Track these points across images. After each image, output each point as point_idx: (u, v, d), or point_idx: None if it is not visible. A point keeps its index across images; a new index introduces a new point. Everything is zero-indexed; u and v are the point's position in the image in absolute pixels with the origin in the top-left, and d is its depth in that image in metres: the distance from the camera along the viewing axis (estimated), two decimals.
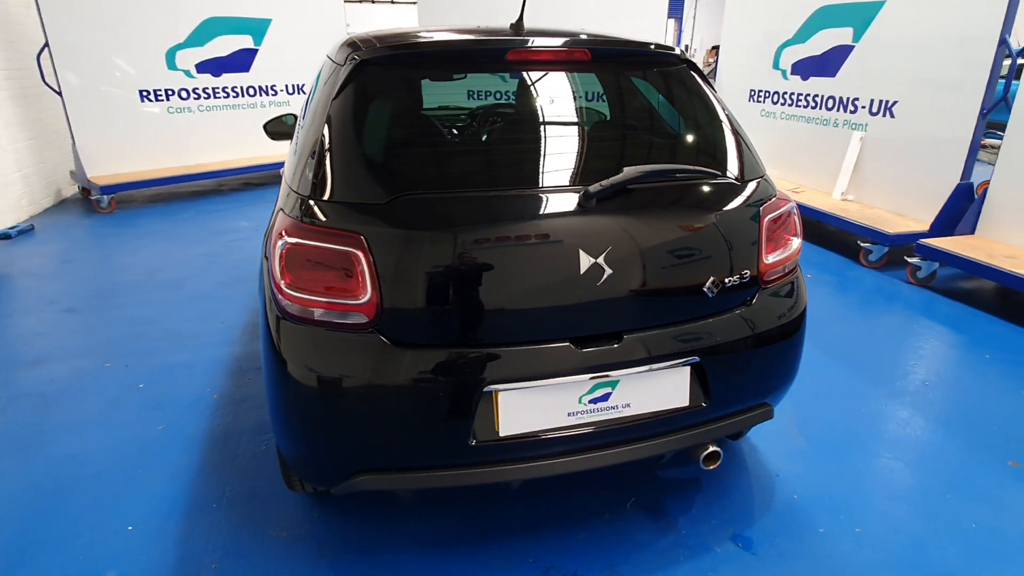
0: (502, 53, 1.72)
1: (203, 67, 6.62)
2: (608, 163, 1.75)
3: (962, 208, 4.13)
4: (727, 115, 1.96)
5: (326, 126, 1.64)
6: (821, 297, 3.95)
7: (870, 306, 3.83)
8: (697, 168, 1.76)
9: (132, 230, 5.42)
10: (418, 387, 1.52)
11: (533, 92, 1.90)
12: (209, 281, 4.14)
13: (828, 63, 5.17)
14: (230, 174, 6.72)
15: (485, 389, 1.53)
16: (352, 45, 1.79)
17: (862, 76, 4.86)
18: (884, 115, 4.70)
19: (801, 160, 5.64)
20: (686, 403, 1.72)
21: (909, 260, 4.07)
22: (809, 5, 5.33)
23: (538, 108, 1.88)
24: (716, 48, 9.07)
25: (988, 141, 7.48)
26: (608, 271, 1.56)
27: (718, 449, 1.84)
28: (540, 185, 1.63)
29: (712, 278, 1.69)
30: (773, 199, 1.84)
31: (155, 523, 2.00)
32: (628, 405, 1.67)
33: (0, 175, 5.36)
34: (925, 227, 4.27)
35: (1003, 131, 3.97)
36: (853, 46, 4.91)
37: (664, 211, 1.68)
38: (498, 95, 2.25)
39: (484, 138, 1.86)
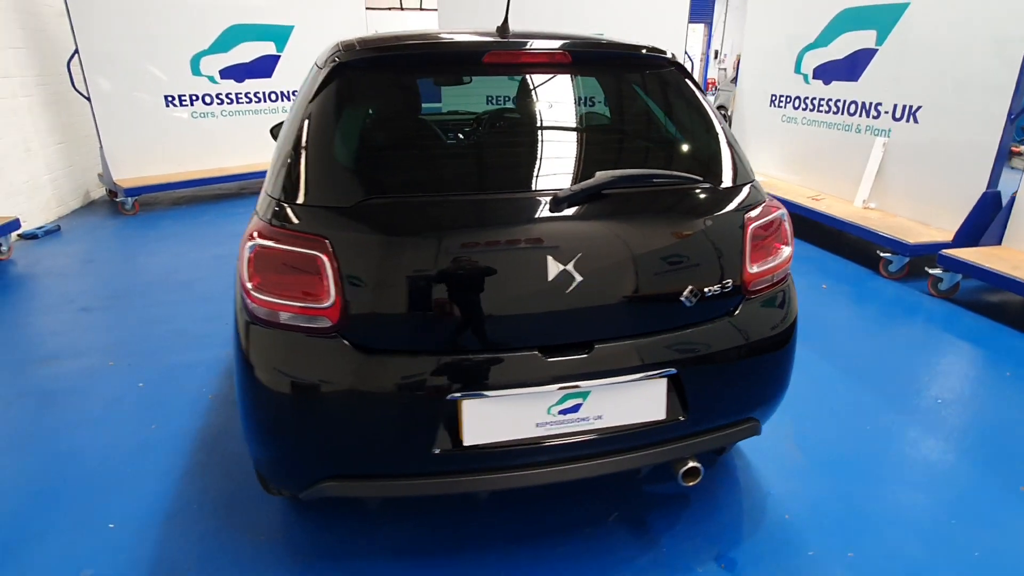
0: (479, 56, 1.69)
1: (227, 73, 6.77)
2: (585, 167, 1.70)
3: (988, 217, 3.95)
4: (716, 119, 1.90)
5: (299, 129, 1.64)
6: (836, 308, 3.82)
7: (887, 318, 3.69)
8: (676, 173, 1.70)
9: (154, 232, 5.56)
10: (380, 393, 1.50)
11: (512, 95, 1.87)
12: (222, 283, 4.20)
13: (850, 67, 5.02)
14: (252, 177, 6.84)
15: (449, 397, 1.51)
16: (335, 48, 1.79)
17: (885, 80, 4.70)
18: (908, 120, 4.53)
19: (823, 167, 5.49)
20: (662, 416, 1.66)
21: (930, 271, 3.91)
22: (832, 7, 5.19)
23: (516, 112, 1.85)
24: None
25: (1018, 147, 7.17)
26: (578, 278, 1.51)
27: (698, 465, 1.77)
28: (510, 189, 1.60)
29: (690, 287, 1.63)
30: (760, 206, 1.77)
31: (137, 523, 2.02)
32: (600, 417, 1.62)
33: (30, 178, 5.55)
34: (949, 237, 4.09)
35: None
36: (876, 49, 4.75)
37: (640, 217, 1.62)
38: (490, 99, 2.23)
39: (458, 142, 1.84)
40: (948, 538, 1.97)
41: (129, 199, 6.03)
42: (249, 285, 1.54)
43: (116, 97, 6.08)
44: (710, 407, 1.73)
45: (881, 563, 1.87)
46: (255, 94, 7.02)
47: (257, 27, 6.87)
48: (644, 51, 1.89)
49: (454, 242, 1.50)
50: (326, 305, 1.48)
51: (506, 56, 1.70)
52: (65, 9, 5.60)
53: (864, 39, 4.84)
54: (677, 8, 7.06)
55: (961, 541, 1.95)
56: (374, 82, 1.74)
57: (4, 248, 4.71)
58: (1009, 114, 3.81)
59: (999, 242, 3.89)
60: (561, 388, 1.56)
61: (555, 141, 1.80)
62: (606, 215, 1.59)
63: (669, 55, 1.93)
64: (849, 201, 5.10)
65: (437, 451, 1.53)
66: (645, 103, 1.95)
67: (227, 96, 6.82)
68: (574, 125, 1.87)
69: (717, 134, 1.87)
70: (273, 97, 7.18)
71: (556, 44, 1.73)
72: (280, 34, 7.08)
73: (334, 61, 1.71)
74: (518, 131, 1.80)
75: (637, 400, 1.64)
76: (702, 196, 1.71)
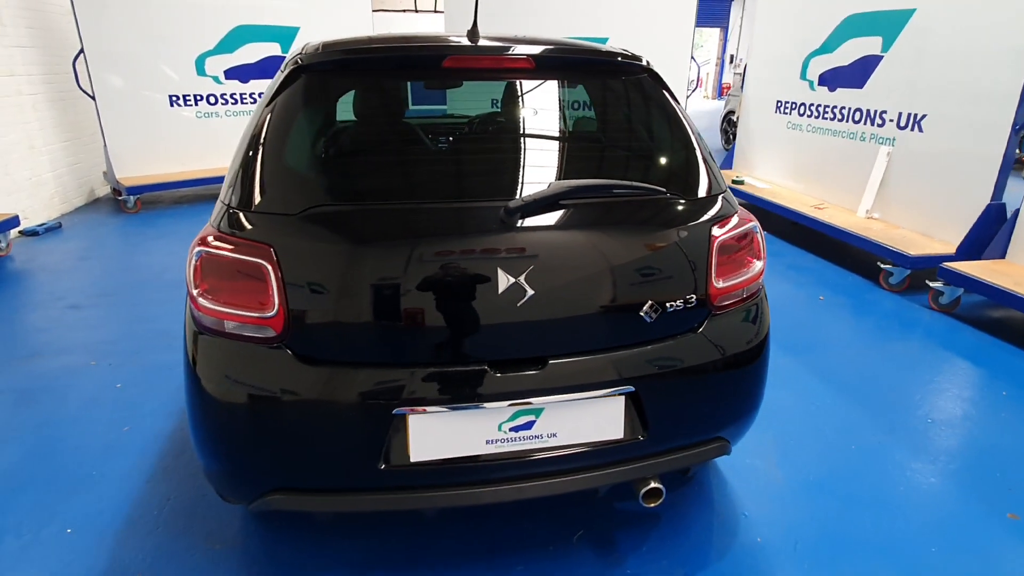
0: (438, 60, 1.65)
1: (231, 73, 6.80)
2: (544, 176, 1.65)
3: (992, 230, 3.83)
4: (688, 128, 1.84)
5: (252, 134, 1.61)
6: (831, 321, 3.73)
7: (884, 332, 3.59)
8: (636, 184, 1.64)
9: (152, 230, 5.58)
10: (324, 406, 1.46)
11: (474, 101, 1.82)
12: None
13: (856, 74, 4.91)
14: None
15: (394, 411, 1.46)
16: (298, 51, 1.76)
17: (890, 88, 4.59)
18: (912, 129, 4.42)
19: (827, 175, 5.38)
20: (620, 435, 1.61)
21: (931, 285, 3.80)
22: (838, 13, 5.09)
23: (476, 118, 1.80)
24: None
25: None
26: (529, 292, 1.46)
27: (659, 486, 1.71)
28: (462, 198, 1.56)
29: (650, 302, 1.57)
30: (728, 219, 1.71)
31: (96, 527, 2.00)
32: (554, 435, 1.57)
33: (33, 175, 5.61)
34: (952, 249, 3.98)
35: None
36: (882, 56, 4.65)
37: (598, 229, 1.57)
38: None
39: (413, 149, 1.79)
40: (927, 566, 1.89)
41: (131, 197, 6.08)
42: (195, 292, 1.50)
43: (121, 96, 6.13)
44: (672, 426, 1.67)
45: None
46: (259, 95, 7.05)
47: (263, 28, 6.89)
48: (616, 57, 1.83)
49: (399, 253, 1.45)
50: (270, 315, 1.45)
51: (466, 61, 1.65)
52: (71, 8, 5.65)
53: (870, 45, 4.74)
54: (684, 12, 6.98)
55: (941, 570, 1.87)
56: (331, 86, 1.71)
57: (3, 244, 4.75)
58: (1014, 125, 3.70)
59: (1003, 255, 3.78)
60: (512, 405, 1.51)
61: (515, 149, 1.75)
62: (562, 226, 1.53)
63: (644, 62, 1.88)
64: (852, 211, 4.99)
65: (383, 466, 1.49)
66: (615, 111, 1.89)
67: (232, 96, 6.86)
68: (538, 133, 1.82)
69: (687, 144, 1.81)
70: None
71: (519, 49, 1.68)
72: (286, 35, 7.10)
73: (295, 63, 1.67)
74: (480, 138, 1.75)
75: (593, 418, 1.58)
76: (665, 208, 1.65)
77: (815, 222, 4.84)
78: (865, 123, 4.87)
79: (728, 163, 7.06)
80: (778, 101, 5.99)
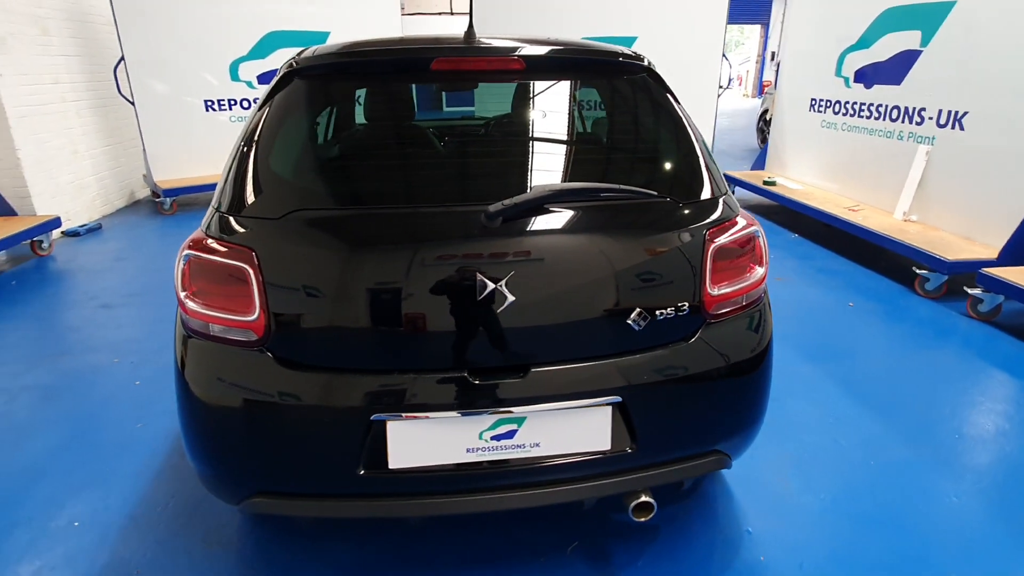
0: (426, 63, 1.63)
1: (264, 78, 6.96)
2: (533, 180, 1.61)
3: None
4: (689, 129, 1.77)
5: (243, 139, 1.62)
6: (860, 328, 3.56)
7: (916, 341, 3.41)
8: (625, 187, 1.58)
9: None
10: (302, 410, 1.45)
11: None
12: None
13: (893, 70, 4.70)
14: None
15: (373, 418, 1.45)
16: (293, 57, 1.77)
17: (930, 84, 4.37)
18: (953, 127, 4.19)
19: (863, 176, 5.16)
20: (607, 447, 1.56)
21: (970, 291, 3.59)
22: (875, 7, 4.87)
23: (467, 121, 1.77)
24: None
25: None
26: (510, 298, 1.43)
27: (650, 500, 1.65)
28: (445, 203, 1.53)
29: (639, 310, 1.51)
30: (727, 223, 1.63)
31: (101, 522, 2.06)
32: (537, 444, 1.53)
33: (76, 178, 5.86)
34: (993, 254, 3.76)
35: None
36: (920, 51, 4.43)
37: (583, 234, 1.52)
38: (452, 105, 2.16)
39: (395, 152, 1.78)
40: None
41: (168, 199, 6.29)
42: (182, 295, 1.52)
43: (159, 101, 6.35)
44: (663, 439, 1.60)
45: None
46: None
47: (294, 34, 7.03)
48: (614, 57, 1.78)
49: (375, 257, 1.44)
50: (251, 318, 1.45)
51: (455, 63, 1.63)
52: (113, 18, 5.88)
53: (908, 40, 4.52)
54: (715, 10, 6.81)
55: None
56: (322, 90, 1.71)
57: (45, 245, 4.97)
58: None
59: None
60: (492, 413, 1.48)
61: (505, 152, 1.72)
62: (544, 231, 1.49)
63: (644, 61, 1.82)
64: (889, 212, 4.77)
65: (362, 473, 1.48)
66: (613, 112, 1.84)
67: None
68: (530, 135, 1.78)
69: (686, 146, 1.75)
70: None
71: (507, 51, 1.65)
72: (316, 40, 7.22)
73: (288, 67, 1.68)
74: (469, 142, 1.73)
75: (578, 428, 1.53)
76: (657, 212, 1.59)
77: (848, 224, 4.65)
78: (903, 121, 4.65)
79: (761, 163, 6.86)
80: (812, 99, 5.78)
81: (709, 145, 7.12)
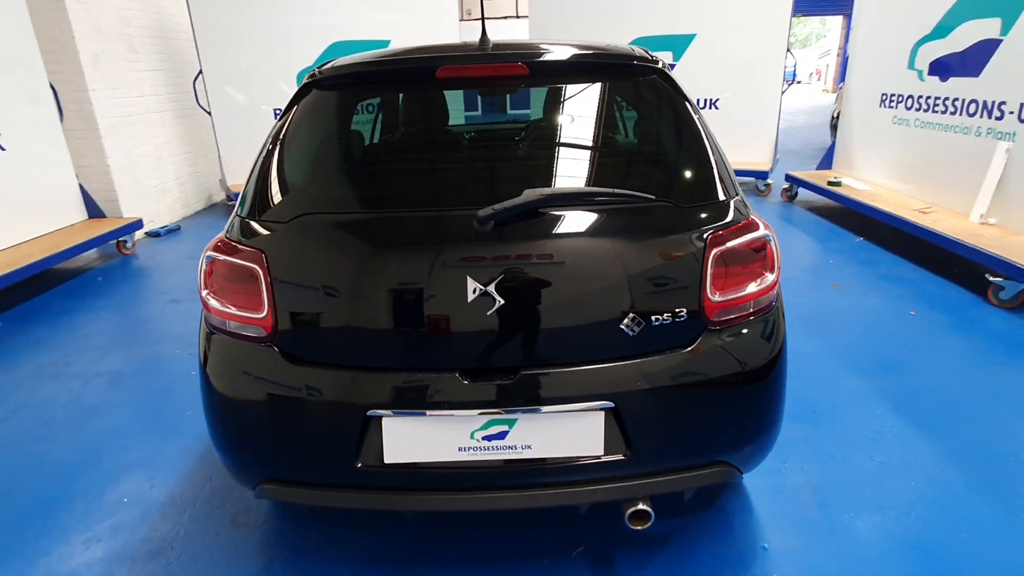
0: (431, 71, 1.68)
1: None
2: (532, 184, 1.62)
3: None
4: (701, 131, 1.73)
5: (263, 147, 1.73)
6: (920, 340, 3.33)
7: (983, 355, 3.14)
8: (620, 192, 1.57)
9: None
10: (305, 403, 1.54)
11: (476, 110, 1.83)
12: None
13: (970, 61, 4.35)
14: None
15: (369, 413, 1.51)
16: (314, 69, 1.87)
17: (1010, 75, 4.02)
18: None
19: (937, 176, 4.81)
20: (600, 452, 1.55)
21: None
22: None
23: (475, 127, 1.81)
24: None
25: None
26: (499, 301, 1.45)
27: (647, 508, 1.63)
28: (443, 207, 1.57)
29: (632, 315, 1.50)
30: (732, 227, 1.59)
31: (146, 499, 2.24)
32: (529, 447, 1.54)
33: (159, 183, 6.36)
34: None
35: None
36: (1000, 40, 4.08)
37: (577, 238, 1.52)
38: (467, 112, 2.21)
39: (399, 157, 1.83)
40: None
41: None
42: (204, 293, 1.65)
43: (232, 110, 6.78)
44: (660, 447, 1.58)
45: None
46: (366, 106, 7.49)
47: (357, 43, 7.32)
48: (623, 59, 1.77)
49: (373, 259, 1.50)
50: (260, 316, 1.55)
51: (458, 71, 1.67)
52: (192, 33, 6.35)
53: (987, 28, 4.18)
54: (780, 1, 6.53)
55: None
56: (335, 100, 1.79)
57: (129, 244, 5.43)
58: None
59: None
60: (483, 413, 1.51)
61: (509, 157, 1.74)
62: (538, 235, 1.51)
63: (655, 63, 1.79)
64: (964, 215, 4.42)
65: (359, 465, 1.55)
66: (620, 115, 1.82)
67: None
68: (534, 139, 1.80)
69: (696, 148, 1.71)
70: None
71: (513, 57, 1.67)
72: (378, 48, 7.49)
73: (307, 79, 1.79)
74: (476, 147, 1.76)
75: (570, 432, 1.54)
76: (655, 215, 1.57)
77: (916, 227, 4.34)
78: (981, 116, 4.29)
79: (828, 162, 6.51)
80: (883, 94, 5.44)
81: (777, 143, 6.85)
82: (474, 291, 1.45)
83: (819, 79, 24.37)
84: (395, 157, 1.84)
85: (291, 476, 1.63)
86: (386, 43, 7.51)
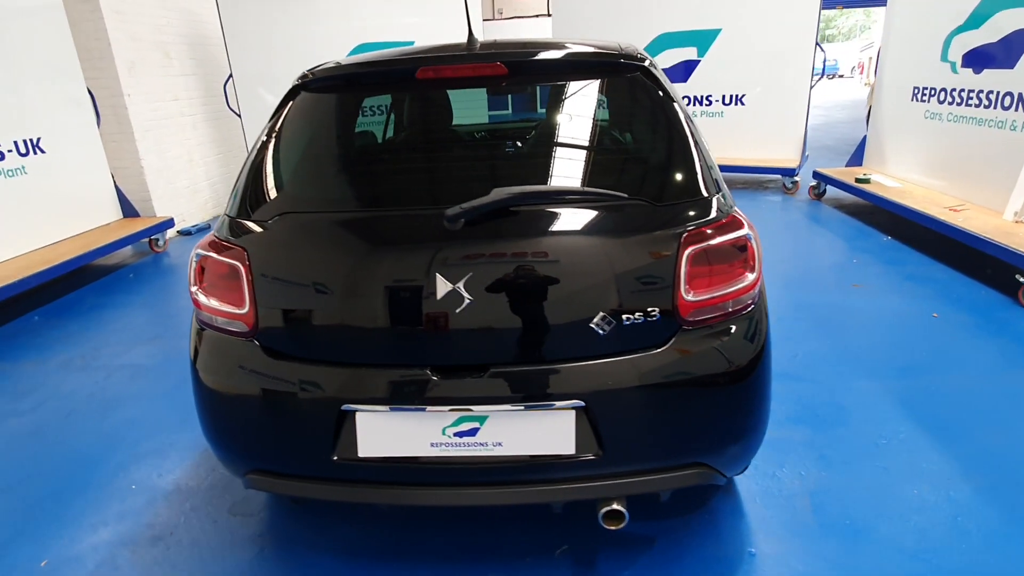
0: (411, 72, 1.70)
1: None
2: (504, 183, 1.63)
3: None
4: (685, 129, 1.70)
5: (253, 149, 1.79)
6: (941, 342, 3.20)
7: (1009, 360, 3.00)
8: (591, 189, 1.56)
9: None
10: (284, 396, 1.59)
11: (455, 110, 1.85)
12: None
13: (1005, 52, 4.15)
14: None
15: (343, 408, 1.55)
16: (303, 73, 1.92)
17: None
18: None
19: (970, 171, 4.61)
20: (571, 451, 1.55)
21: None
22: None
23: (455, 127, 1.83)
24: None
25: None
26: (468, 299, 1.47)
27: (621, 509, 1.62)
28: (418, 206, 1.60)
29: (602, 314, 1.49)
30: (709, 226, 1.56)
31: (153, 487, 2.34)
32: (500, 444, 1.55)
33: (191, 184, 6.59)
34: None
35: None
36: None
37: (547, 236, 1.53)
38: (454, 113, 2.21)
39: (377, 157, 1.86)
40: None
41: None
42: (193, 290, 1.71)
43: (261, 113, 6.97)
44: (633, 447, 1.57)
45: None
46: (377, 107, 7.61)
47: (380, 45, 7.43)
48: (603, 57, 1.76)
49: (346, 257, 1.54)
50: (243, 311, 1.61)
51: (439, 71, 1.69)
52: (223, 39, 6.55)
53: (1022, 18, 3.98)
54: None
55: None
56: (320, 102, 1.84)
57: (161, 242, 5.64)
58: None
59: None
60: (454, 410, 1.52)
61: (488, 156, 1.75)
62: (509, 233, 1.52)
63: (644, 61, 1.77)
64: (998, 212, 4.23)
65: (336, 458, 1.58)
66: (600, 112, 1.81)
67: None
68: (513, 137, 1.80)
69: (677, 145, 1.69)
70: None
71: (492, 57, 1.68)
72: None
73: (295, 82, 1.84)
74: (454, 146, 1.78)
75: (541, 431, 1.54)
76: (628, 213, 1.56)
77: (945, 226, 4.17)
78: (1017, 109, 4.10)
79: (858, 158, 6.31)
80: (915, 87, 5.24)
81: (806, 139, 6.65)
82: (443, 289, 1.47)
83: (861, 72, 23.55)
84: (373, 157, 1.88)
85: (274, 467, 1.68)
86: (409, 44, 7.61)
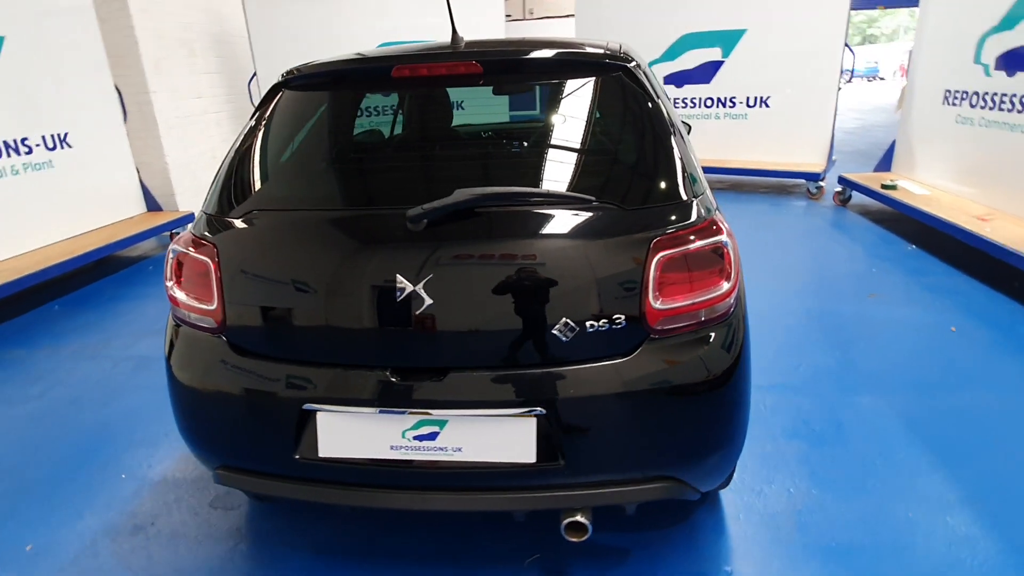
0: (387, 71, 1.69)
1: None
2: (469, 184, 1.60)
3: None
4: (661, 131, 1.65)
5: (232, 146, 1.80)
6: (955, 357, 3.06)
7: None
8: (553, 192, 1.52)
9: None
10: (249, 393, 1.59)
11: (432, 109, 1.83)
12: None
13: None
14: None
15: (304, 407, 1.54)
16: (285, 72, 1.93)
17: None
18: None
19: (1002, 179, 4.41)
20: (532, 459, 1.51)
21: None
22: None
23: (432, 126, 1.81)
24: None
25: None
26: (428, 301, 1.45)
27: (584, 521, 1.58)
28: (383, 205, 1.58)
29: (564, 320, 1.46)
30: (683, 231, 1.51)
31: (142, 477, 2.39)
32: (459, 449, 1.53)
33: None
34: None
35: None
36: None
37: (510, 239, 1.50)
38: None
39: (347, 157, 1.85)
40: None
41: None
42: (168, 285, 1.73)
43: None
44: (596, 458, 1.52)
45: None
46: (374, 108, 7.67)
47: (402, 44, 7.49)
48: (585, 58, 1.73)
49: (309, 256, 1.53)
50: (212, 307, 1.62)
51: (414, 70, 1.68)
52: (247, 36, 6.68)
53: None
54: None
55: None
56: (300, 100, 1.84)
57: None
58: None
59: None
60: (413, 413, 1.51)
61: (459, 156, 1.73)
62: (471, 235, 1.49)
63: (629, 62, 1.73)
64: None
65: (298, 457, 1.58)
66: (577, 113, 1.76)
67: (365, 110, 7.56)
68: (488, 138, 1.77)
69: (657, 148, 1.64)
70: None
71: (468, 56, 1.66)
72: None
73: (277, 81, 1.85)
74: (428, 145, 1.76)
75: (501, 437, 1.51)
76: (597, 217, 1.51)
77: (969, 235, 3.99)
78: None
79: (887, 164, 6.09)
80: (946, 91, 5.03)
81: (833, 143, 6.45)
82: (403, 290, 1.45)
83: (903, 75, 22.80)
84: (342, 156, 1.87)
85: (240, 463, 1.69)
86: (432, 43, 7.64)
